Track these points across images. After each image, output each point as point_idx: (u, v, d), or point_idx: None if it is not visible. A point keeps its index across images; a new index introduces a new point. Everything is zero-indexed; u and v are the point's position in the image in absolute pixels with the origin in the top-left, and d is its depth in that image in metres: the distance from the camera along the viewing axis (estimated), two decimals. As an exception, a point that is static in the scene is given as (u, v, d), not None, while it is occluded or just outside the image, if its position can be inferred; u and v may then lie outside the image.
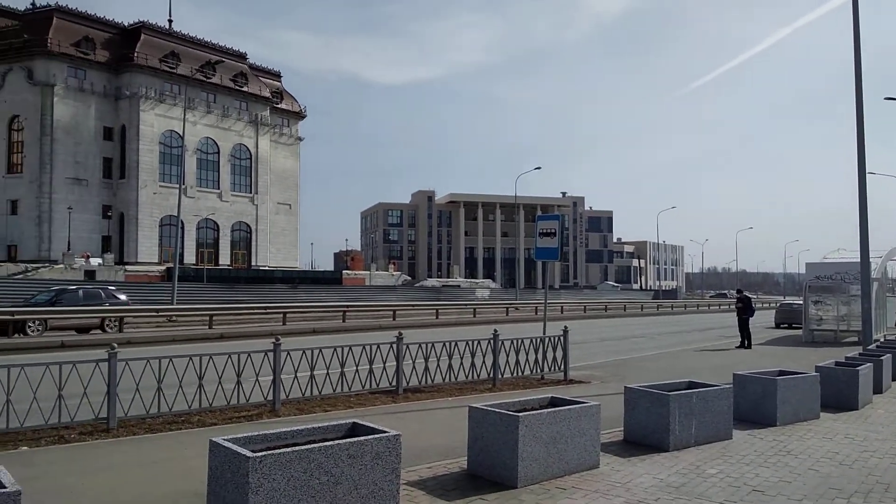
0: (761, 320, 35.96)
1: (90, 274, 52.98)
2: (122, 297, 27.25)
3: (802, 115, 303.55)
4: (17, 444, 7.60)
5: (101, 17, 74.01)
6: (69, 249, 61.91)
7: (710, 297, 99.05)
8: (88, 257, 59.33)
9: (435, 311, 38.40)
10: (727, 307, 59.30)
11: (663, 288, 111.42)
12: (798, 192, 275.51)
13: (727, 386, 8.57)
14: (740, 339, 22.30)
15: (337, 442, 5.04)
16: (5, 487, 3.69)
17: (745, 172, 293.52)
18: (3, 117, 68.36)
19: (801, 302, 28.35)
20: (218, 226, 78.09)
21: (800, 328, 27.15)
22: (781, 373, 9.83)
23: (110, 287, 30.90)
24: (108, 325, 24.49)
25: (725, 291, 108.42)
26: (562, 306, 48.95)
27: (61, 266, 53.85)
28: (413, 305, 40.60)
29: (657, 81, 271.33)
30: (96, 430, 8.24)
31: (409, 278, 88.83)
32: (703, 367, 16.43)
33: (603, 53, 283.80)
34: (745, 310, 22.71)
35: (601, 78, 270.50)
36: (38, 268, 53.12)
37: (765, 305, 65.08)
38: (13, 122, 68.46)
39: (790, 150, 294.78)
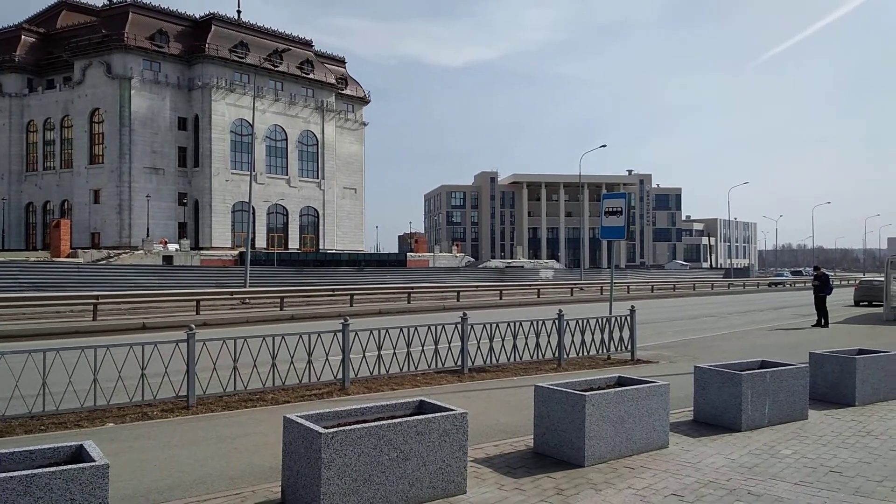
0: (840, 298, 34.52)
1: (168, 259, 55.13)
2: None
3: (882, 85, 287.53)
4: (103, 421, 8.04)
5: (174, 10, 76.28)
6: (148, 236, 64.61)
7: (777, 275, 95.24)
8: (166, 243, 61.74)
9: (499, 291, 38.39)
10: (803, 285, 57.11)
11: (735, 266, 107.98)
12: (878, 165, 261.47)
13: (803, 365, 8.31)
14: (817, 318, 21.57)
15: (405, 419, 5.15)
16: (94, 461, 3.94)
17: (821, 146, 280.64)
18: (85, 111, 71.60)
19: (881, 279, 27.08)
20: (287, 211, 79.93)
21: (880, 306, 25.96)
22: (861, 351, 9.48)
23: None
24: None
25: (801, 269, 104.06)
26: (628, 286, 48.17)
27: (141, 252, 56.23)
28: (477, 286, 40.65)
29: (728, 54, 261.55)
30: (177, 407, 8.64)
31: (473, 259, 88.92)
32: (777, 346, 15.94)
33: (672, 27, 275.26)
34: (822, 287, 21.91)
35: (669, 53, 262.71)
36: (120, 254, 55.53)
37: (843, 283, 62.38)
38: (94, 114, 71.56)
39: (872, 121, 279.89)
